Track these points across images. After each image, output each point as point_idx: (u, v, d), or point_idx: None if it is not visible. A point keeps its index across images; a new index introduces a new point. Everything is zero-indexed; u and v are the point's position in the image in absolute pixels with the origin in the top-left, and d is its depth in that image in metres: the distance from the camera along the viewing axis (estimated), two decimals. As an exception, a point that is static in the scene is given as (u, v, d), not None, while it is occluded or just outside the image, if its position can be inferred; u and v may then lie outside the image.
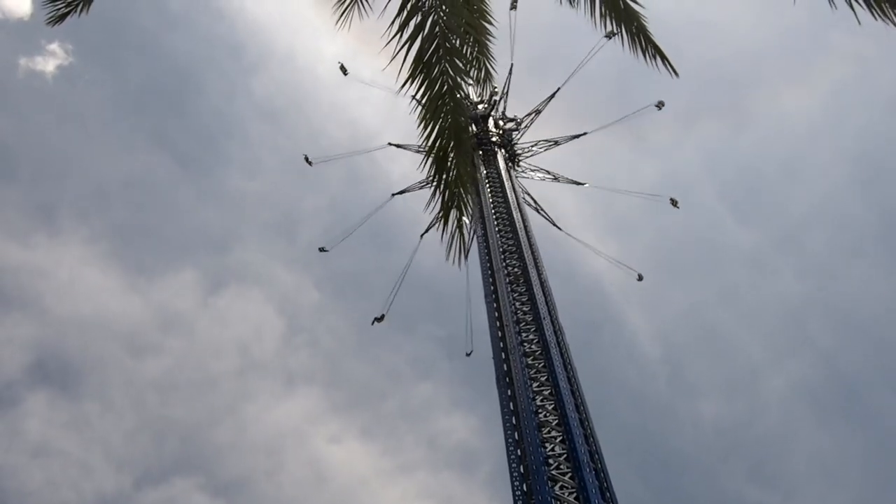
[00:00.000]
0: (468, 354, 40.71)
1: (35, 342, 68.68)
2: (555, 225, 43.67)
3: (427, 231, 42.34)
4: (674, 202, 45.23)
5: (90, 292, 72.92)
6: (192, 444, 70.23)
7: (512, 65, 42.98)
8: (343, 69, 46.85)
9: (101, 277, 72.64)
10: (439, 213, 10.93)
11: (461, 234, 10.88)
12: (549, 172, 43.86)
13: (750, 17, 73.35)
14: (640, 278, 45.68)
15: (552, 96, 43.92)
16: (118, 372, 70.33)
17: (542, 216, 43.34)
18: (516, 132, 43.39)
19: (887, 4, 9.07)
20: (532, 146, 43.83)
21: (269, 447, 71.78)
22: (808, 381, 72.93)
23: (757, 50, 79.06)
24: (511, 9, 41.39)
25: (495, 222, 32.56)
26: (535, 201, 43.07)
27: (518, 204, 34.73)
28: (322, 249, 45.76)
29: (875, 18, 9.22)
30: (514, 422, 23.49)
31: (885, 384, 70.50)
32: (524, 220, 33.27)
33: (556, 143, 44.13)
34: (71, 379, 69.82)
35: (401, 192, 44.21)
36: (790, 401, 72.61)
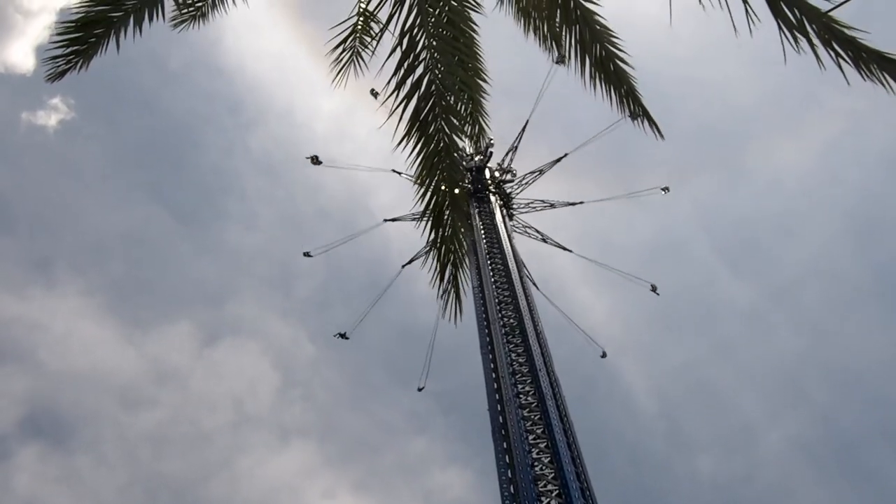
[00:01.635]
0: (420, 390, 42.38)
1: (28, 395, 68.24)
2: (564, 248, 44.41)
3: (410, 262, 43.26)
4: (654, 289, 45.62)
5: (85, 345, 72.63)
6: (185, 499, 69.46)
7: (527, 121, 43.49)
8: (315, 160, 45.54)
9: (97, 330, 72.41)
10: (429, 253, 11.01)
11: (457, 290, 10.92)
12: (539, 232, 44.26)
13: (743, 74, 74.36)
14: (604, 355, 46.02)
15: (559, 160, 44.42)
16: (111, 426, 69.81)
17: (550, 244, 44.16)
18: (513, 184, 43.90)
19: (875, 65, 9.21)
20: (528, 204, 44.37)
21: (263, 502, 71.04)
22: (804, 437, 72.60)
23: (750, 107, 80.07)
24: (556, 63, 41.78)
25: (491, 273, 32.60)
26: (539, 231, 43.90)
27: (514, 254, 34.83)
28: (307, 254, 45.89)
29: (864, 79, 9.36)
30: (509, 475, 23.30)
31: (881, 440, 70.23)
32: (520, 271, 33.36)
33: (552, 205, 44.62)
34: (63, 433, 69.16)
35: (410, 262, 44.08)
36: (787, 456, 72.19)
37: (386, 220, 45.06)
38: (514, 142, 44.62)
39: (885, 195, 74.02)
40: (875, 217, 75.11)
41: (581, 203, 45.04)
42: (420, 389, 42.36)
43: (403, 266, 44.10)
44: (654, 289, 45.54)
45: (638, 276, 46.00)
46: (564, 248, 44.60)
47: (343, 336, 44.13)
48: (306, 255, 45.73)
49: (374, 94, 45.41)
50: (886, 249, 73.33)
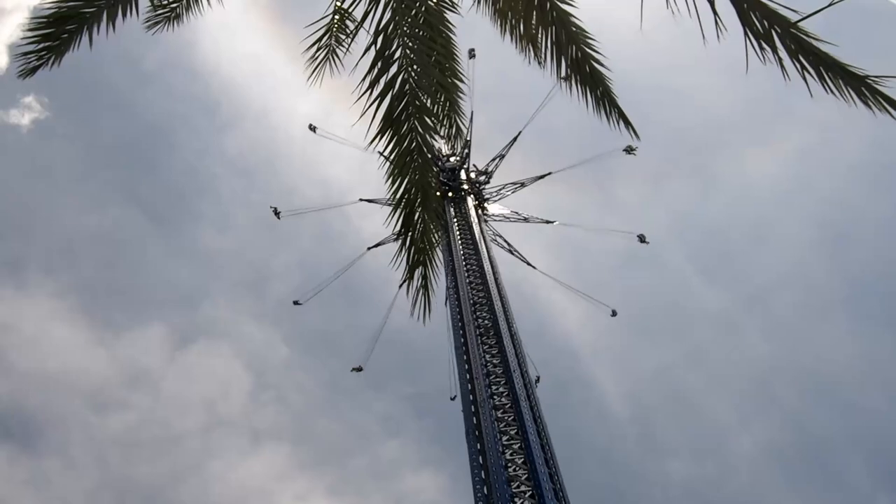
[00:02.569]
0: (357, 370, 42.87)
1: (-3, 397, 67.48)
2: (529, 264, 44.34)
3: (377, 246, 43.75)
4: (642, 238, 46.32)
5: (56, 347, 72.10)
6: (155, 502, 68.93)
7: (472, 112, 43.66)
8: (312, 128, 47.35)
9: (68, 332, 71.89)
10: (401, 254, 11.01)
11: (426, 290, 10.92)
12: (519, 214, 44.39)
13: (716, 84, 75.01)
14: (615, 314, 46.42)
15: (514, 140, 45.07)
16: (81, 428, 69.36)
17: (516, 256, 44.04)
18: (485, 178, 44.32)
19: (839, 79, 9.29)
20: (500, 189, 44.77)
21: (235, 506, 70.58)
22: (776, 443, 73.34)
23: (722, 116, 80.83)
24: (470, 58, 42.10)
25: (466, 274, 32.65)
26: (508, 244, 43.67)
27: (489, 255, 34.89)
28: (296, 303, 45.78)
29: (826, 92, 9.42)
30: (483, 476, 23.36)
31: (851, 445, 71.01)
32: (495, 272, 33.40)
33: (523, 184, 45.16)
34: (33, 435, 68.54)
35: (376, 245, 44.50)
36: (758, 461, 72.79)
37: (370, 248, 45.16)
38: (503, 150, 45.17)
39: (856, 204, 75.09)
40: (846, 226, 76.18)
41: (549, 174, 45.54)
42: (358, 370, 42.81)
43: (369, 248, 44.62)
44: (642, 239, 46.27)
45: (623, 230, 47.20)
46: (528, 264, 44.87)
47: (296, 303, 45.20)
48: (296, 303, 46.00)
49: (313, 128, 46.83)
50: (857, 258, 74.41)
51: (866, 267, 74.25)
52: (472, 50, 42.43)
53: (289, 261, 79.38)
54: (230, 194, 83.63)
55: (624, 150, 44.10)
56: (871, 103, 8.96)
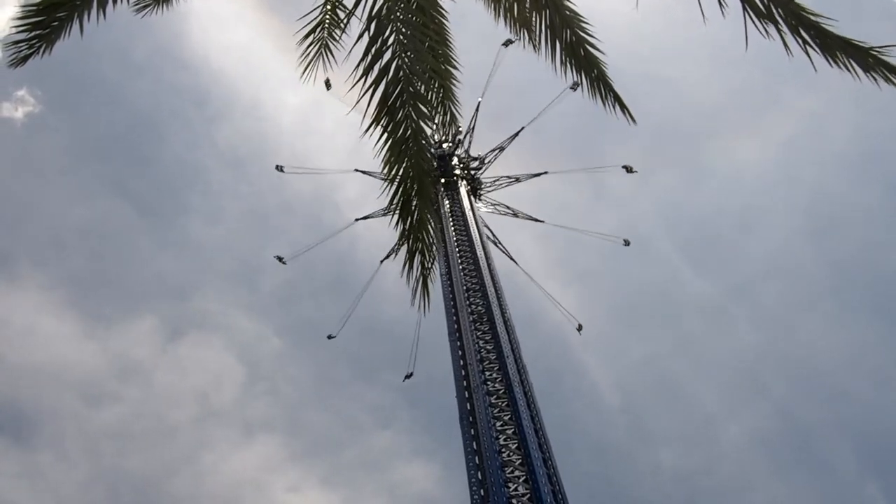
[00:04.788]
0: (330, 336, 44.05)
1: (-13, 390, 67.22)
2: (512, 259, 44.24)
3: (387, 257, 43.06)
4: (626, 242, 47.06)
5: (46, 340, 71.90)
6: (148, 495, 68.96)
7: (479, 102, 43.61)
8: (280, 168, 48.02)
9: (58, 325, 71.66)
10: (399, 242, 10.99)
11: (425, 278, 10.90)
12: (509, 208, 44.55)
13: (704, 74, 75.01)
14: (580, 328, 46.46)
15: (516, 135, 44.89)
16: (73, 421, 69.24)
17: (501, 250, 43.83)
18: (478, 164, 44.30)
19: (841, 52, 9.31)
20: (494, 181, 44.75)
21: (228, 497, 70.68)
22: (763, 431, 73.88)
23: (711, 105, 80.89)
24: (504, 45, 42.02)
25: (459, 260, 32.65)
26: (493, 235, 43.63)
27: (482, 241, 34.89)
28: (280, 260, 46.31)
29: (830, 65, 9.46)
30: (476, 461, 23.43)
31: (838, 433, 71.47)
32: (488, 259, 33.40)
33: (517, 180, 45.08)
34: (24, 428, 68.44)
35: (364, 218, 44.52)
36: (747, 449, 73.31)
37: (358, 220, 45.37)
38: (470, 123, 44.92)
39: (843, 194, 75.35)
40: (833, 215, 76.48)
41: (545, 173, 45.68)
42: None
43: (382, 261, 43.92)
44: (626, 243, 47.03)
45: (608, 234, 47.40)
46: (536, 220, 45.09)
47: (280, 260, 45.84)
48: (280, 260, 46.27)
49: (328, 84, 46.37)
50: (844, 247, 74.67)
51: (853, 255, 74.68)
52: (509, 40, 42.19)
53: (280, 252, 79.02)
54: (220, 186, 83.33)
55: (623, 168, 44.98)
56: (875, 75, 8.99)
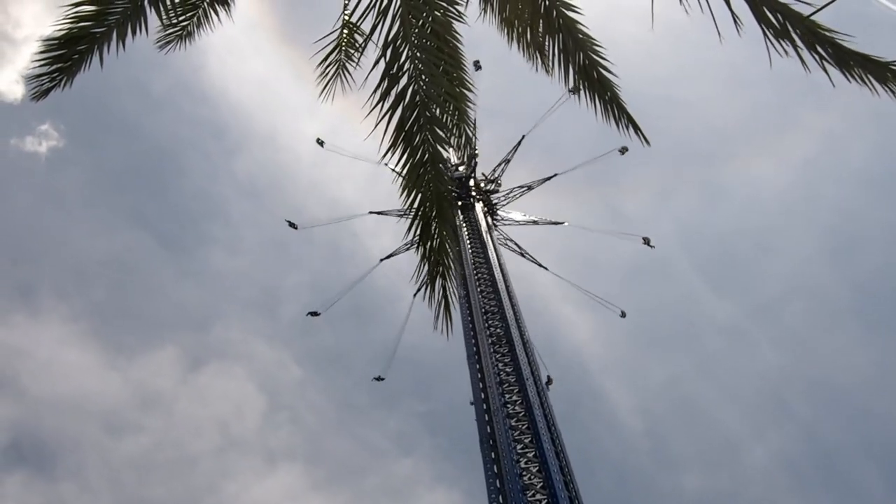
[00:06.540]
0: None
1: (11, 423, 67.56)
2: (541, 265, 44.52)
3: (389, 257, 43.82)
4: (647, 241, 46.64)
5: (69, 371, 72.10)
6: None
7: (475, 120, 43.82)
8: (320, 143, 47.99)
9: (80, 356, 71.87)
10: (420, 267, 11.01)
11: (446, 303, 10.92)
12: (518, 246, 44.73)
13: (721, 94, 74.91)
14: (623, 315, 46.19)
15: (518, 144, 45.58)
16: (95, 452, 69.15)
17: (528, 259, 44.25)
18: (494, 187, 44.81)
19: (858, 67, 9.32)
20: (508, 193, 45.06)
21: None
22: (788, 452, 73.02)
23: (728, 126, 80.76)
24: (476, 69, 42.39)
25: (477, 282, 32.63)
26: (518, 246, 43.84)
27: (500, 263, 34.87)
28: (313, 314, 45.65)
29: (848, 80, 9.47)
30: (498, 485, 23.30)
31: (864, 454, 70.68)
32: (506, 280, 33.37)
33: (530, 187, 45.41)
34: (47, 459, 68.39)
35: (389, 257, 44.64)
36: (772, 472, 72.44)
37: (382, 259, 45.19)
38: (508, 154, 45.55)
39: (862, 213, 74.91)
40: (853, 234, 76.02)
41: (555, 175, 45.78)
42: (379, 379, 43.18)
43: (382, 259, 44.64)
44: (647, 241, 46.60)
45: (628, 233, 47.33)
46: (541, 266, 45.01)
47: (380, 379, 44.16)
48: (313, 314, 46.12)
49: (321, 142, 47.21)
50: (865, 266, 74.13)
51: (874, 274, 74.07)
52: (477, 62, 42.64)
53: (300, 280, 79.50)
54: (240, 216, 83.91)
55: (619, 151, 44.69)
56: (894, 89, 9.01)
